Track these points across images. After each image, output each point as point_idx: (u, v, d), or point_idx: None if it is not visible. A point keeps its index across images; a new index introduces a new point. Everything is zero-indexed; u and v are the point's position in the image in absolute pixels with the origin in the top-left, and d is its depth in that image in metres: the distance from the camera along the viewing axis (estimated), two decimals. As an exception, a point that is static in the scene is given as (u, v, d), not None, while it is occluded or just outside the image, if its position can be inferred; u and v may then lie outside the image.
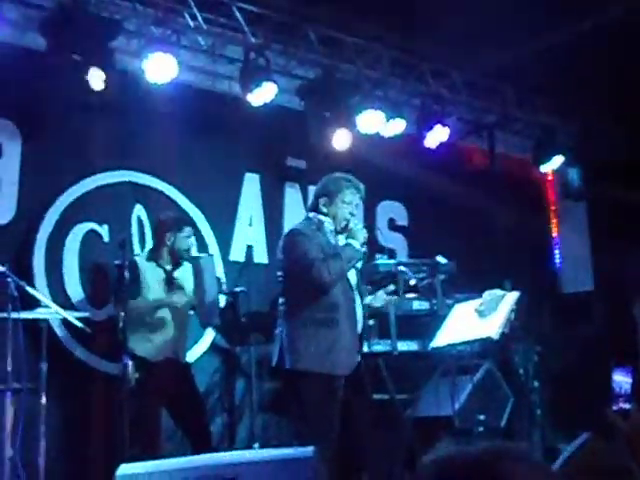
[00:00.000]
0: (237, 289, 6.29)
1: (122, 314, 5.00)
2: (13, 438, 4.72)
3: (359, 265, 4.83)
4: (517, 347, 6.83)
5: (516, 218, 8.35)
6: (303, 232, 4.65)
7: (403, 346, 6.20)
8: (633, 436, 2.16)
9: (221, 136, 6.91)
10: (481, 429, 5.67)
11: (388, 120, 7.22)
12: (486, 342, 5.55)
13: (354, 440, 4.59)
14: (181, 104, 6.50)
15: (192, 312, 5.74)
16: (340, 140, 7.10)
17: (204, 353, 6.58)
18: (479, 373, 6.30)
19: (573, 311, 8.58)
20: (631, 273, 7.98)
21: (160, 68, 6.06)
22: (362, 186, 4.83)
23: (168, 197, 6.67)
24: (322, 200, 4.76)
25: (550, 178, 9.20)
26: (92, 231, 6.27)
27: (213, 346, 6.65)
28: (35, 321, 5.04)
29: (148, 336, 5.50)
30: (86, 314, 5.55)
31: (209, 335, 6.58)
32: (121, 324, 5.01)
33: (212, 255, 6.17)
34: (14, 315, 4.70)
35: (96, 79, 5.79)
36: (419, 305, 6.31)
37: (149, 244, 6.26)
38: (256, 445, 6.05)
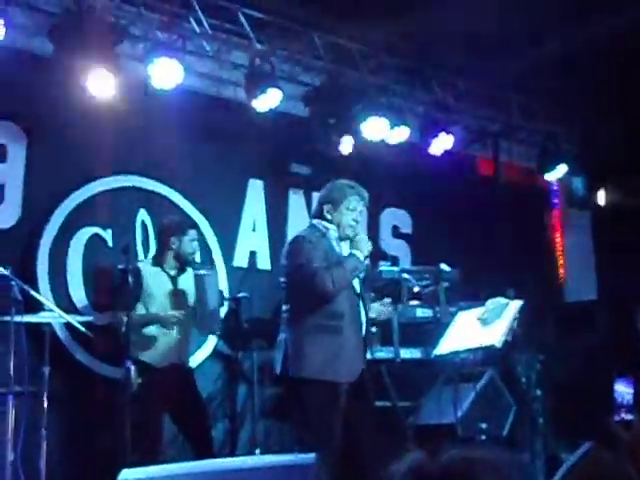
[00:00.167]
0: (240, 295, 6.29)
1: (125, 319, 5.00)
2: (15, 441, 4.72)
3: (362, 275, 4.82)
4: (520, 356, 6.81)
5: (520, 226, 8.35)
6: (308, 239, 4.64)
7: (406, 353, 6.20)
8: (635, 446, 2.15)
9: (225, 142, 6.92)
10: (483, 437, 5.66)
11: (392, 127, 7.22)
12: (489, 350, 5.55)
13: (356, 447, 4.58)
14: (186, 109, 6.51)
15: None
16: (344, 147, 7.11)
17: (206, 359, 6.58)
18: (482, 381, 6.29)
19: (576, 320, 8.56)
20: (635, 283, 7.97)
21: (165, 73, 6.08)
22: (366, 193, 4.83)
23: (172, 202, 6.68)
24: (326, 207, 4.75)
25: (555, 187, 9.19)
26: (96, 235, 6.28)
27: (215, 352, 6.65)
28: (38, 325, 5.04)
29: (152, 342, 5.50)
30: (89, 318, 5.56)
31: (211, 341, 6.58)
32: (124, 329, 5.01)
33: (215, 271, 6.19)
34: (17, 318, 4.72)
35: (101, 84, 5.80)
36: (422, 312, 6.31)
37: (153, 249, 6.27)
38: (257, 451, 6.04)
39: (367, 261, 4.75)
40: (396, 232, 8.07)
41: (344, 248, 4.75)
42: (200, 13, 6.35)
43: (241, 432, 6.57)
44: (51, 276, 6.02)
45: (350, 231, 4.74)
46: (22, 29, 5.97)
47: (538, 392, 6.80)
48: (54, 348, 5.22)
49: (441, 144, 7.55)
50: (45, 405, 4.94)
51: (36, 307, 5.02)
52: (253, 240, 7.15)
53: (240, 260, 7.03)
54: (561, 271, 9.21)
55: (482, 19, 6.27)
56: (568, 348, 7.83)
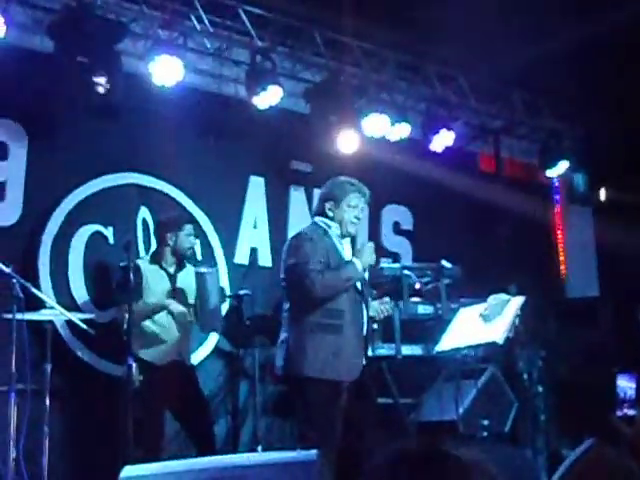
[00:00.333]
0: (241, 292, 6.29)
1: (126, 316, 5.00)
2: (17, 439, 4.72)
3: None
4: (522, 352, 6.81)
5: (522, 222, 8.34)
6: (309, 236, 4.64)
7: (407, 350, 6.19)
8: (637, 442, 2.15)
9: (227, 139, 6.92)
10: (485, 434, 5.66)
11: (393, 124, 7.22)
12: (491, 347, 5.55)
13: (357, 443, 4.58)
14: (187, 107, 6.51)
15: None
16: (345, 144, 7.10)
17: (208, 356, 6.58)
18: (483, 378, 6.30)
19: (578, 316, 8.54)
20: (637, 278, 7.96)
21: (166, 71, 6.08)
22: (367, 190, 4.82)
23: (173, 199, 6.68)
24: (328, 204, 4.75)
25: (556, 183, 9.19)
26: (97, 233, 6.28)
27: (217, 349, 6.65)
28: (40, 322, 5.04)
29: (153, 340, 5.50)
30: (91, 316, 5.56)
31: (213, 338, 6.58)
32: (125, 326, 5.02)
33: (217, 269, 6.18)
34: (19, 316, 4.71)
35: (102, 81, 5.80)
36: (424, 309, 6.30)
37: (154, 246, 6.27)
38: (259, 448, 6.04)
39: (366, 273, 4.73)
40: (397, 229, 8.07)
41: (346, 246, 4.75)
42: (201, 10, 6.35)
43: (243, 429, 6.58)
44: (52, 274, 6.02)
45: (352, 228, 4.74)
46: (23, 27, 5.97)
47: (540, 388, 6.80)
48: (56, 345, 5.23)
49: (442, 140, 7.55)
50: (47, 402, 4.94)
51: (38, 305, 5.02)
52: (254, 237, 7.15)
53: (241, 257, 7.02)
54: (562, 267, 9.21)
55: (483, 15, 6.26)
56: (570, 344, 7.82)
